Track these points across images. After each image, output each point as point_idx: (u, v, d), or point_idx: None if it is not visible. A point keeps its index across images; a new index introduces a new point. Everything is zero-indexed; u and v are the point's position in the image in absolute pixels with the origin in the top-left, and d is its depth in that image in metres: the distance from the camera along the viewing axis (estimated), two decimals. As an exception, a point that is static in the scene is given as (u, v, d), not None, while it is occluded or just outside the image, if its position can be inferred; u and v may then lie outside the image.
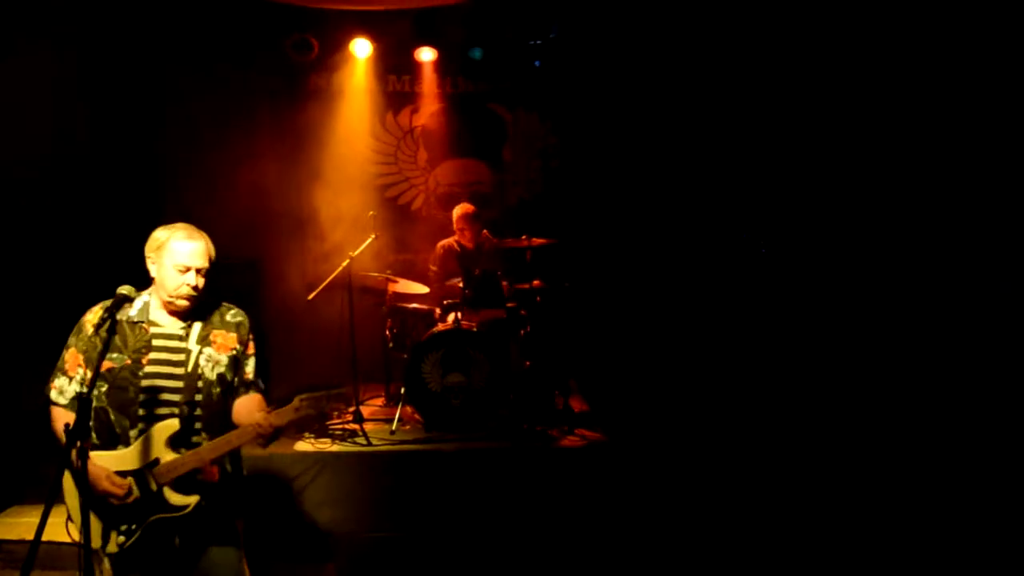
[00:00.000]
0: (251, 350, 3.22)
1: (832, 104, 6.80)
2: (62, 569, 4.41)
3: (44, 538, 4.68)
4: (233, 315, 3.22)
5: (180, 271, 2.97)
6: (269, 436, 2.96)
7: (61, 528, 3.09)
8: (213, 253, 3.10)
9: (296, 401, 2.99)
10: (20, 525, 5.16)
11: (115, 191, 6.95)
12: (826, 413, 5.90)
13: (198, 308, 3.11)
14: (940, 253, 6.16)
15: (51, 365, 3.10)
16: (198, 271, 3.01)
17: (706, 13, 7.32)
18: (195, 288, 3.00)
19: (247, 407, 3.13)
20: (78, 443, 2.62)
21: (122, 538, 2.91)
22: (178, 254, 2.97)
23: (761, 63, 7.22)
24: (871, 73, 6.50)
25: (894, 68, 6.33)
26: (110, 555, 2.94)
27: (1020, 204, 5.73)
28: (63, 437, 2.90)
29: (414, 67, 8.10)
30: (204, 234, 3.11)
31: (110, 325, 2.82)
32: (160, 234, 3.03)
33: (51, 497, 2.52)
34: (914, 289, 6.30)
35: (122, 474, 2.89)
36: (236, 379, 3.15)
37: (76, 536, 2.90)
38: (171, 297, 3.00)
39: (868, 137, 6.61)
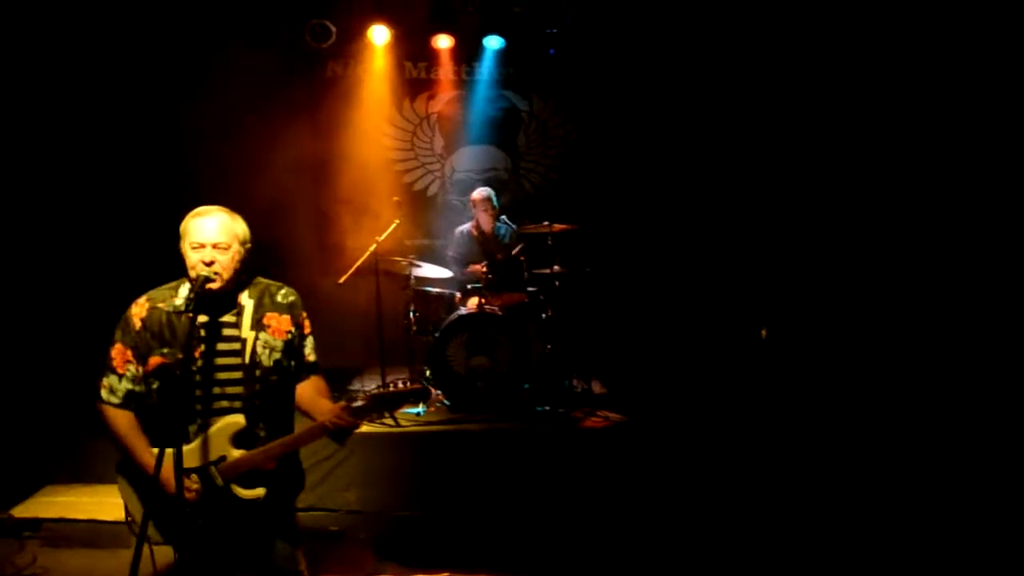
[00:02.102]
0: (308, 329, 3.03)
1: (850, 89, 6.88)
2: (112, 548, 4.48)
3: (107, 518, 4.86)
4: (284, 295, 3.00)
5: (195, 248, 2.78)
6: (344, 433, 2.86)
7: (116, 508, 3.03)
8: (240, 231, 2.88)
9: (369, 399, 2.85)
10: (56, 504, 5.26)
11: (135, 181, 7.03)
12: (841, 393, 6.00)
13: (241, 291, 2.93)
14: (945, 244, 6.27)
15: (79, 353, 2.97)
16: (215, 246, 2.77)
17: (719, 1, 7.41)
18: (209, 264, 2.75)
19: (310, 393, 2.99)
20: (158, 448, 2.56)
21: (188, 533, 2.80)
22: (192, 232, 2.79)
23: (775, 50, 7.29)
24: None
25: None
26: (175, 547, 2.85)
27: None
28: (123, 437, 2.83)
29: (431, 54, 8.17)
30: (228, 211, 2.89)
31: (161, 315, 2.80)
32: (184, 220, 2.86)
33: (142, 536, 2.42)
34: (925, 272, 6.42)
35: (187, 471, 2.73)
36: (295, 363, 2.97)
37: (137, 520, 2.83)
38: (192, 279, 2.78)
39: (889, 122, 6.70)
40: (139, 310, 2.87)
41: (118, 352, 2.84)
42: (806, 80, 7.18)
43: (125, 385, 2.84)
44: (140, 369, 2.83)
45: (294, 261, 7.80)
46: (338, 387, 6.47)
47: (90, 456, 5.53)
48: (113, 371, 2.84)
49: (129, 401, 2.85)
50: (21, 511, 5.13)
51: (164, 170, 7.39)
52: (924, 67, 6.45)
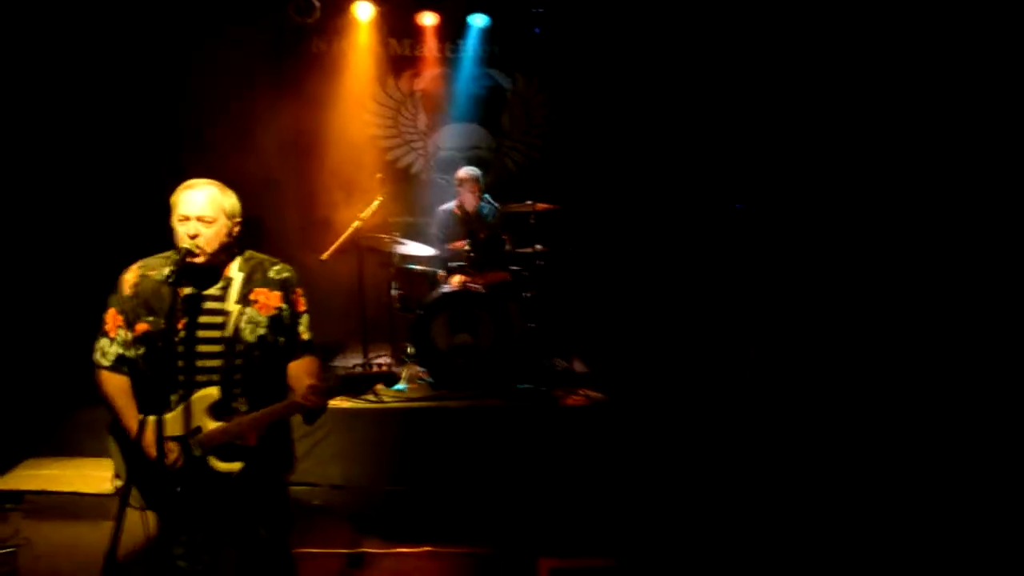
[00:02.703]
0: (302, 307, 3.04)
1: (834, 73, 6.92)
2: (94, 519, 4.51)
3: (89, 491, 4.90)
4: (278, 271, 3.00)
5: (181, 221, 2.80)
6: (312, 413, 2.88)
7: (104, 482, 3.07)
8: (229, 205, 2.89)
9: (337, 381, 2.88)
10: (39, 477, 5.28)
11: (122, 157, 7.00)
12: (823, 373, 6.11)
13: (230, 264, 2.95)
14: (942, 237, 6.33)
15: (64, 325, 3.00)
16: (200, 219, 2.79)
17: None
18: (193, 236, 2.77)
19: (297, 372, 3.00)
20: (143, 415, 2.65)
21: (168, 499, 2.84)
22: (180, 204, 2.81)
23: (765, 33, 7.33)
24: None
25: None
26: (157, 513, 2.91)
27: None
28: (112, 400, 2.89)
29: (416, 31, 8.13)
30: (220, 185, 2.91)
31: (152, 283, 2.84)
32: (174, 193, 2.87)
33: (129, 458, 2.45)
34: (906, 258, 6.51)
35: (167, 439, 2.78)
36: (286, 340, 2.99)
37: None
38: (180, 251, 2.77)
39: (868, 111, 6.76)
40: (131, 276, 2.92)
41: (111, 316, 2.90)
42: (799, 68, 7.19)
43: (116, 349, 2.90)
44: (130, 334, 2.88)
45: (278, 237, 7.80)
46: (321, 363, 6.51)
47: (72, 429, 5.56)
48: (105, 335, 2.91)
49: (120, 365, 2.90)
50: (3, 483, 5.15)
51: (150, 147, 7.34)
52: (912, 70, 6.48)
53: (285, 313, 2.99)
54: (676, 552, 4.34)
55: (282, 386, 2.99)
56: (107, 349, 2.90)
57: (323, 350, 6.90)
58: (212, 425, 2.84)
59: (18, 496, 5.02)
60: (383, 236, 6.36)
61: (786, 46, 7.24)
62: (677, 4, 7.66)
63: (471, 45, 8.18)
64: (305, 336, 3.06)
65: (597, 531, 4.76)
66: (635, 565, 4.33)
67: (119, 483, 2.93)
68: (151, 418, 2.62)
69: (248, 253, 3.03)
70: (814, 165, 7.03)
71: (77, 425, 5.51)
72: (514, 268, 6.53)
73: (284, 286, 3.00)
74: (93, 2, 6.73)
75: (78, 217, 6.54)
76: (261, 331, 2.92)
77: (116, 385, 2.89)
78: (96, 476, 5.03)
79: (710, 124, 7.63)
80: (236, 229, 2.93)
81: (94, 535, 4.51)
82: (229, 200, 2.92)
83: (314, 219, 7.82)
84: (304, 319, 3.06)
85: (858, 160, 6.75)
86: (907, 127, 6.51)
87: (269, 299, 2.96)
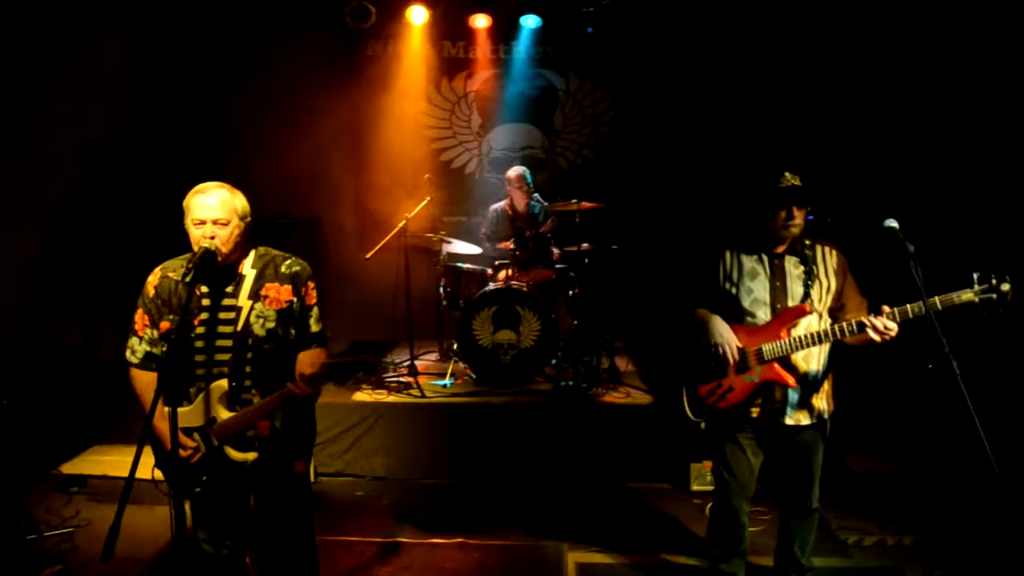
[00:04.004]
0: (312, 300, 3.16)
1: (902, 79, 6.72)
2: (150, 504, 4.72)
3: (146, 477, 5.16)
4: (289, 265, 3.14)
5: (196, 225, 2.95)
6: (301, 400, 2.98)
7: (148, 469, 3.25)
8: (240, 206, 3.03)
9: (322, 369, 2.97)
10: (101, 462, 5.59)
11: (181, 159, 7.32)
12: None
13: (243, 260, 3.08)
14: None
15: (121, 323, 3.23)
16: (215, 222, 2.93)
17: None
18: (210, 238, 2.91)
19: (303, 362, 3.12)
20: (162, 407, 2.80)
21: (197, 488, 3.04)
22: (194, 209, 2.96)
23: (825, 31, 7.16)
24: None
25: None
26: (185, 500, 3.02)
27: None
28: (140, 395, 3.07)
29: (469, 33, 8.26)
30: (229, 188, 3.04)
31: (170, 284, 3.01)
32: (186, 198, 3.02)
33: (140, 448, 2.64)
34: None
35: (188, 431, 2.98)
36: (296, 332, 3.13)
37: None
38: (197, 251, 2.90)
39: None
40: (153, 279, 3.09)
41: (139, 316, 3.08)
42: (866, 65, 6.97)
43: (144, 347, 3.07)
44: (155, 333, 3.05)
45: (334, 236, 8.08)
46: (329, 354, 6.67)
47: (135, 418, 5.84)
48: (135, 333, 3.09)
49: (148, 361, 3.08)
50: (69, 468, 5.49)
51: (210, 149, 7.68)
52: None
53: (296, 306, 3.11)
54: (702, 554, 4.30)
55: (292, 376, 3.09)
56: (136, 347, 3.08)
57: (373, 347, 7.20)
58: (225, 415, 3.00)
59: (82, 480, 5.35)
60: (431, 235, 6.51)
61: (842, 45, 7.07)
62: (732, 2, 7.56)
63: (523, 46, 8.27)
64: (315, 328, 3.18)
65: (628, 527, 4.78)
66: (667, 561, 4.34)
67: (159, 473, 3.10)
68: (166, 410, 2.77)
69: (262, 249, 3.17)
70: (885, 169, 6.80)
71: (140, 414, 5.79)
72: (560, 266, 6.58)
73: (294, 280, 3.13)
74: (160, 11, 7.06)
75: (147, 218, 6.87)
76: (271, 324, 3.05)
77: (144, 381, 3.07)
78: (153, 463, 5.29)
79: (761, 126, 7.48)
80: (247, 228, 3.07)
81: (149, 518, 4.72)
82: (240, 201, 3.05)
83: (369, 219, 8.03)
84: (314, 312, 3.18)
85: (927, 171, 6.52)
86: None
87: (280, 293, 3.09)
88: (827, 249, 3.50)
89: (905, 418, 5.33)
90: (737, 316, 3.45)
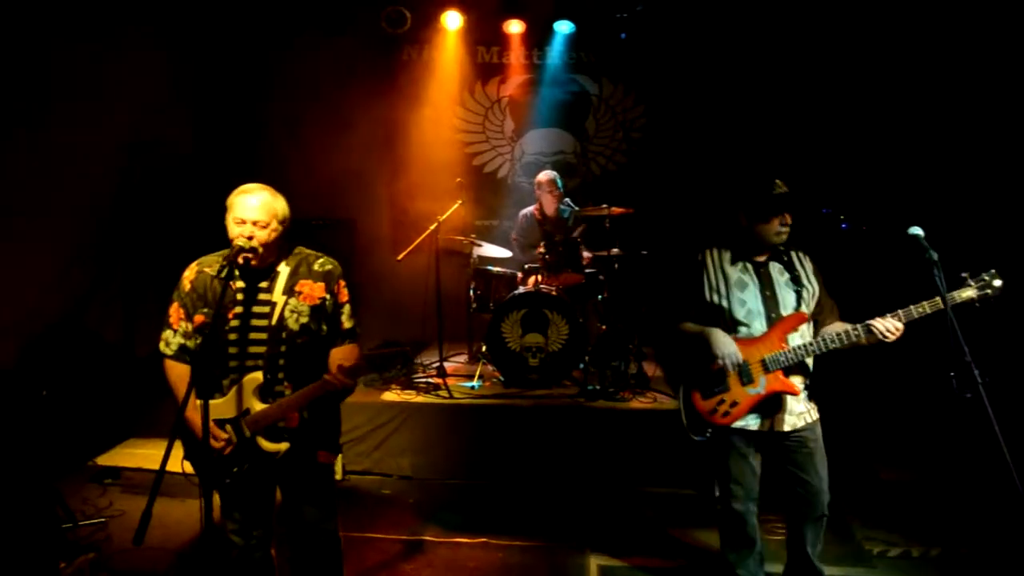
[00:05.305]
0: (344, 298, 3.23)
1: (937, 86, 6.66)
2: (181, 497, 4.84)
3: (178, 470, 5.29)
4: (322, 264, 3.23)
5: (237, 223, 3.05)
6: (339, 392, 3.07)
7: (179, 462, 3.35)
8: (280, 209, 3.12)
9: (361, 360, 3.09)
10: (136, 455, 5.74)
11: (220, 159, 7.48)
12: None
13: (280, 261, 3.17)
14: None
15: (157, 320, 3.31)
16: (255, 223, 3.03)
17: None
18: (249, 239, 3.01)
19: (337, 357, 3.19)
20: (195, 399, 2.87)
21: (227, 479, 3.10)
22: (235, 208, 3.06)
23: (857, 40, 7.12)
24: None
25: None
26: (215, 491, 3.15)
27: None
28: (174, 386, 3.17)
29: (502, 39, 8.35)
30: (272, 191, 3.14)
31: (206, 279, 3.10)
32: (231, 195, 3.13)
33: (172, 438, 2.75)
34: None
35: (221, 422, 3.05)
36: (328, 327, 3.19)
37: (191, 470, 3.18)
38: (234, 248, 3.01)
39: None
40: (190, 273, 3.20)
41: (174, 310, 3.18)
42: (902, 71, 6.94)
43: (178, 339, 3.17)
44: (189, 326, 3.15)
45: (367, 238, 8.18)
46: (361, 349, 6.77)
47: (169, 412, 5.97)
48: (170, 326, 3.18)
49: (182, 354, 3.18)
50: (104, 460, 5.64)
51: (248, 150, 7.83)
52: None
53: (328, 303, 3.19)
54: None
55: (324, 370, 3.16)
56: (171, 340, 3.17)
57: (383, 349, 7.25)
58: (259, 407, 3.07)
59: (116, 472, 5.49)
60: (462, 238, 6.57)
61: (879, 49, 7.02)
62: (765, 9, 7.54)
63: (557, 52, 8.33)
64: (347, 324, 3.26)
65: (651, 532, 4.78)
66: (688, 567, 4.34)
67: (188, 465, 3.21)
68: (198, 402, 2.87)
69: (297, 249, 3.27)
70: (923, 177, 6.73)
71: (174, 409, 5.92)
72: (590, 271, 6.60)
73: (327, 278, 3.21)
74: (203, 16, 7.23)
75: (181, 211, 7.03)
76: (304, 319, 3.13)
77: (178, 373, 3.17)
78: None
79: (792, 131, 7.44)
80: (285, 231, 3.16)
81: (180, 510, 4.85)
82: (280, 204, 3.15)
83: (402, 221, 8.13)
84: (346, 308, 3.26)
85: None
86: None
87: (313, 290, 3.17)
88: (801, 254, 3.56)
89: (931, 426, 5.28)
90: (729, 328, 3.46)
